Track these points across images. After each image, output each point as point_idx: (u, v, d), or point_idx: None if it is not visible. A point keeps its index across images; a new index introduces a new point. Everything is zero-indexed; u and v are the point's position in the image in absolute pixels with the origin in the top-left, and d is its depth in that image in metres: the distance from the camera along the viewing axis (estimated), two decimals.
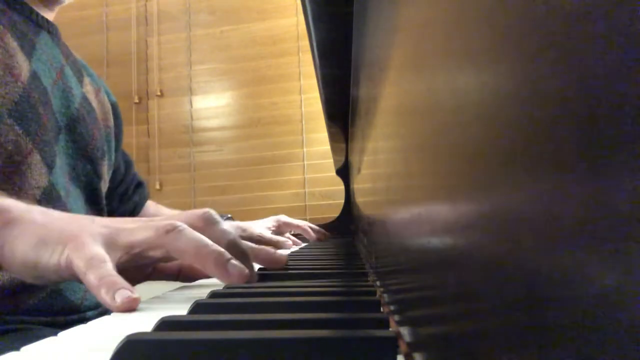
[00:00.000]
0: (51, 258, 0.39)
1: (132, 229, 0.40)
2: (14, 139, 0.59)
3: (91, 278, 0.37)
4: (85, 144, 0.73)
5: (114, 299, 0.36)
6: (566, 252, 0.08)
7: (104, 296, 0.36)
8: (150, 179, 2.06)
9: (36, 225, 0.40)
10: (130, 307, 0.36)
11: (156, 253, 0.41)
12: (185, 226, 0.40)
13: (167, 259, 0.43)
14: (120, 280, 0.37)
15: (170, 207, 1.12)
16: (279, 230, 1.11)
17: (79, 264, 0.37)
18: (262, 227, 1.07)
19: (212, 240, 0.41)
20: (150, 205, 1.02)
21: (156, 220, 0.42)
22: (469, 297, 0.13)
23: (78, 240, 0.39)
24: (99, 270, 0.37)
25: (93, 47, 2.11)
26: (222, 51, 2.08)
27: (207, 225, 0.43)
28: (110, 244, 0.40)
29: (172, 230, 0.39)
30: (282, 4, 2.03)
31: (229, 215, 1.06)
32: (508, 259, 0.10)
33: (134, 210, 0.96)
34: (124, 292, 0.36)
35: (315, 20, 0.64)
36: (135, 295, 0.37)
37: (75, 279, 0.39)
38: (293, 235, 1.16)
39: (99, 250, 0.38)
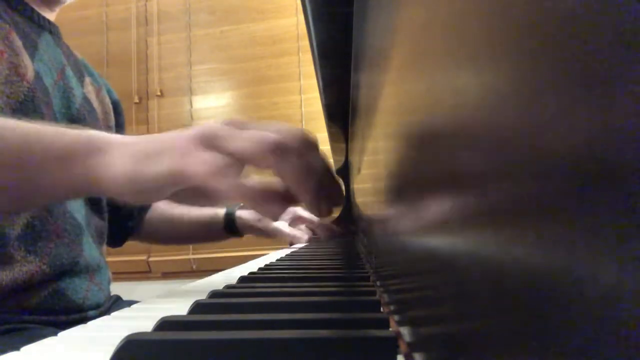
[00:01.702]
0: (158, 168, 0.37)
1: (231, 136, 0.37)
2: None
3: (219, 184, 0.36)
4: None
5: (255, 203, 0.36)
6: (566, 251, 0.08)
7: (246, 200, 0.36)
8: None
9: (130, 145, 0.39)
10: (269, 213, 0.37)
11: (259, 165, 0.38)
12: (287, 145, 0.37)
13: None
14: (250, 187, 0.37)
15: None
16: (293, 223, 1.12)
17: (196, 170, 0.36)
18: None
19: (309, 166, 0.38)
20: (161, 202, 1.00)
21: (258, 130, 0.38)
22: (469, 297, 0.13)
23: (181, 147, 0.37)
24: (225, 176, 0.36)
25: (93, 47, 2.11)
26: (222, 51, 2.08)
27: (306, 149, 0.39)
28: (209, 146, 0.38)
29: (278, 150, 0.36)
30: (282, 4, 2.03)
31: (242, 204, 1.06)
32: (508, 258, 0.10)
33: (141, 208, 0.95)
34: (260, 196, 0.36)
35: (315, 20, 0.64)
36: (270, 198, 0.37)
37: (185, 186, 0.38)
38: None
39: (215, 156, 0.37)
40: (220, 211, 0.97)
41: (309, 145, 0.39)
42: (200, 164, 0.36)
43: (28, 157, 0.39)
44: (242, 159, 0.37)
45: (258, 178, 0.40)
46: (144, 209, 0.94)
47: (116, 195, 0.40)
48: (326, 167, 0.40)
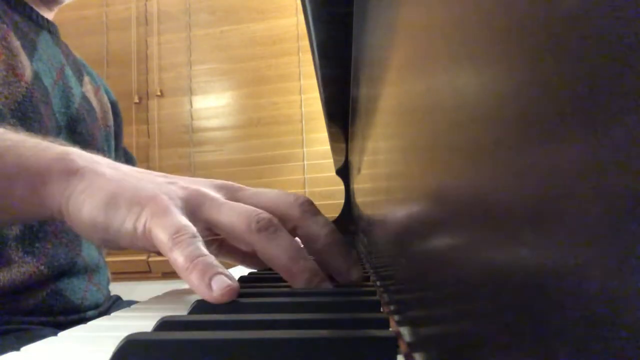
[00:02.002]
0: (125, 222, 0.33)
1: (220, 205, 0.34)
2: None
3: (179, 258, 0.31)
4: (85, 144, 0.73)
5: (210, 286, 0.30)
6: (566, 251, 0.08)
7: (196, 282, 0.31)
8: None
9: (105, 179, 0.34)
10: (230, 297, 0.30)
11: (239, 245, 0.35)
12: (280, 226, 0.34)
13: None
14: (214, 262, 0.32)
15: None
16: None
17: (162, 238, 0.32)
18: None
19: (307, 234, 0.36)
20: None
21: (246, 201, 0.35)
22: (469, 297, 0.13)
23: (157, 204, 0.33)
24: (188, 248, 0.31)
25: (93, 47, 2.11)
26: (222, 51, 2.08)
27: (303, 216, 0.36)
28: (192, 211, 0.34)
29: (265, 229, 0.33)
30: (282, 4, 2.03)
31: None
32: (508, 258, 0.10)
33: None
34: (222, 278, 0.31)
35: (315, 20, 0.64)
36: (235, 283, 0.31)
37: (151, 250, 0.34)
38: None
39: (184, 221, 0.33)
40: None
41: (307, 210, 0.36)
42: (169, 228, 0.32)
43: (8, 167, 0.36)
44: (226, 234, 0.34)
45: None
46: None
47: (77, 230, 0.36)
48: (333, 235, 0.37)
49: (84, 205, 0.34)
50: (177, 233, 0.32)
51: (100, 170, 0.35)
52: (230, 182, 0.39)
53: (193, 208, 0.34)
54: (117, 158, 0.88)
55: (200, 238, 0.32)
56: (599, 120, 0.07)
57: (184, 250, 0.31)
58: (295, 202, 0.37)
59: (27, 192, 0.35)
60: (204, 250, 0.32)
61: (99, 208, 0.34)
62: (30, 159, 0.35)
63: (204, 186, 0.36)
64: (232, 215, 0.34)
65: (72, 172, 0.35)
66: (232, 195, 0.37)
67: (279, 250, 0.34)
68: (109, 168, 0.36)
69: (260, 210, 0.35)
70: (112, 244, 0.35)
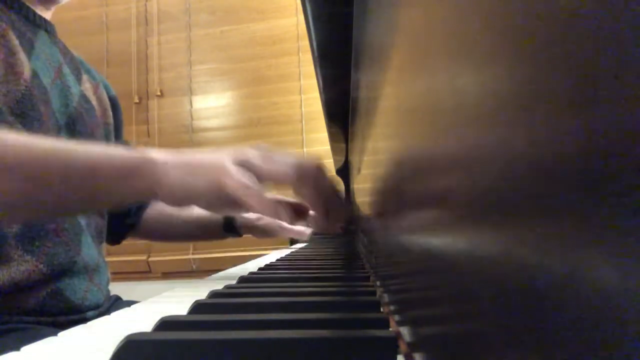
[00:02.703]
0: (206, 182, 0.46)
1: (257, 164, 0.48)
2: None
3: (253, 201, 0.45)
4: (85, 142, 0.73)
5: (279, 217, 0.46)
6: (566, 251, 0.08)
7: (270, 214, 0.46)
8: None
9: (179, 161, 0.48)
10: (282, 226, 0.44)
11: (282, 183, 0.49)
12: (308, 173, 0.48)
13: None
14: (278, 205, 0.46)
15: None
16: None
17: (237, 188, 0.45)
18: None
19: (323, 187, 0.50)
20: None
21: (283, 158, 0.49)
22: (469, 297, 0.13)
23: (225, 169, 0.46)
24: (258, 195, 0.45)
25: (93, 47, 2.11)
26: (222, 51, 2.08)
27: (320, 175, 0.50)
28: (240, 163, 0.47)
29: (299, 173, 0.47)
30: (282, 4, 2.03)
31: None
32: (508, 259, 0.10)
33: (140, 205, 0.93)
34: (283, 212, 0.46)
35: (315, 20, 0.64)
36: (288, 214, 0.47)
37: (225, 199, 0.46)
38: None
39: (248, 179, 0.46)
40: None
41: (322, 171, 0.50)
42: (236, 182, 0.45)
43: (98, 174, 0.47)
44: (270, 178, 0.47)
45: (275, 193, 0.51)
46: (143, 206, 0.94)
47: (168, 202, 0.48)
48: (334, 191, 0.51)
49: (171, 180, 0.47)
50: (246, 186, 0.45)
51: (171, 157, 0.48)
52: (262, 145, 0.53)
53: (244, 164, 0.48)
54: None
55: (260, 187, 0.46)
56: (599, 120, 0.07)
57: (255, 196, 0.45)
58: (312, 162, 0.51)
59: (119, 185, 0.47)
60: (267, 197, 0.46)
61: (186, 178, 0.47)
62: (124, 161, 0.47)
63: (248, 149, 0.50)
64: (274, 164, 0.48)
65: (155, 165, 0.47)
66: (268, 152, 0.50)
67: (311, 192, 0.48)
68: (174, 154, 0.49)
69: (299, 161, 0.49)
70: (192, 202, 0.48)
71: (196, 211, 0.94)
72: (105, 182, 0.47)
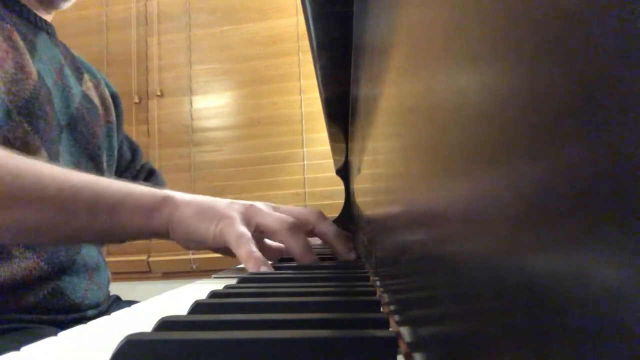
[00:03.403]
0: (208, 229, 0.52)
1: (265, 214, 0.54)
2: (22, 136, 0.60)
3: (242, 252, 0.50)
4: (86, 142, 0.73)
5: (257, 269, 0.49)
6: (566, 251, 0.08)
7: (251, 268, 0.50)
8: None
9: (192, 206, 0.53)
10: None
11: (274, 238, 0.55)
12: (301, 229, 0.54)
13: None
14: (262, 258, 0.50)
15: None
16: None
17: (231, 240, 0.51)
18: None
19: (320, 232, 0.58)
20: None
21: (281, 213, 0.55)
22: (469, 297, 0.13)
23: (228, 217, 0.52)
24: (247, 246, 0.50)
25: (93, 47, 2.11)
26: (222, 51, 2.08)
27: (318, 220, 0.59)
28: (247, 219, 0.53)
29: (291, 229, 0.53)
30: (282, 4, 2.03)
31: None
32: (508, 258, 0.10)
33: None
34: (265, 268, 0.50)
35: (315, 20, 0.64)
36: (270, 269, 0.50)
37: (222, 246, 0.52)
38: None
39: (245, 230, 0.52)
40: None
41: (320, 218, 0.58)
42: (234, 232, 0.51)
43: (122, 210, 0.52)
44: (266, 233, 0.53)
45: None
46: None
47: (178, 241, 0.54)
48: (337, 231, 0.59)
49: (184, 222, 0.53)
50: (241, 237, 0.51)
51: (187, 200, 0.54)
52: (269, 203, 0.60)
53: (248, 217, 0.54)
54: (120, 148, 0.88)
55: (253, 241, 0.51)
56: (598, 121, 0.07)
57: (245, 248, 0.50)
58: (312, 212, 0.59)
59: (139, 220, 0.53)
60: (256, 249, 0.51)
61: (193, 222, 0.52)
62: (145, 200, 0.53)
63: (255, 203, 0.56)
64: (273, 220, 0.53)
65: (173, 206, 0.53)
66: (274, 209, 0.57)
67: (297, 244, 0.53)
68: (189, 198, 0.55)
69: (290, 217, 0.54)
70: (200, 245, 0.54)
71: None
72: (127, 218, 0.52)
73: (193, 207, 0.53)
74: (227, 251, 0.53)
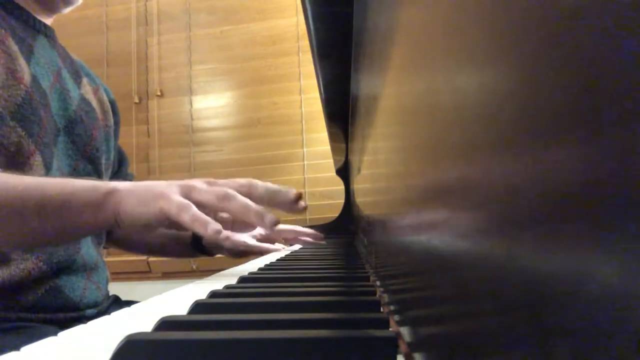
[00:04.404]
0: (150, 209, 0.54)
1: (200, 190, 0.56)
2: (16, 140, 0.60)
3: (185, 217, 0.52)
4: (84, 145, 0.73)
5: (206, 230, 0.51)
6: (566, 252, 0.08)
7: (199, 228, 0.51)
8: (150, 179, 2.06)
9: (131, 191, 0.55)
10: (217, 235, 0.51)
11: (215, 210, 0.57)
12: (235, 194, 0.55)
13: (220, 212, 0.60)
14: (208, 218, 0.52)
15: None
16: (270, 236, 1.06)
17: (171, 209, 0.52)
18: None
19: (253, 194, 0.59)
20: None
21: (214, 185, 0.57)
22: (469, 297, 0.13)
23: (165, 194, 0.54)
24: (189, 211, 0.52)
25: (93, 47, 2.11)
26: (222, 51, 2.08)
27: (250, 189, 0.60)
28: (185, 195, 0.55)
29: (226, 196, 0.55)
30: (282, 4, 2.03)
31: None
32: (508, 259, 0.10)
33: None
34: (213, 225, 0.51)
35: (315, 20, 0.64)
36: (219, 227, 0.52)
37: (166, 221, 0.54)
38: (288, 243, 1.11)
39: (183, 199, 0.54)
40: None
41: (252, 184, 0.60)
42: (172, 204, 0.53)
43: (68, 209, 0.54)
44: (205, 207, 0.54)
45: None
46: None
47: (126, 228, 0.56)
48: (270, 191, 0.61)
49: (128, 210, 0.54)
50: (180, 205, 0.53)
51: (128, 188, 0.56)
52: (210, 179, 0.61)
53: (186, 194, 0.55)
54: (114, 151, 0.88)
55: (193, 206, 0.53)
56: (598, 121, 0.07)
57: (187, 213, 0.52)
58: (246, 180, 0.61)
59: (88, 217, 0.54)
60: (198, 211, 0.53)
61: (135, 206, 0.54)
62: (89, 196, 0.55)
63: (191, 181, 0.58)
64: (209, 194, 0.55)
65: (117, 198, 0.55)
66: (210, 184, 0.58)
67: (237, 206, 0.55)
68: (131, 186, 0.57)
69: (224, 188, 0.56)
70: (147, 226, 0.56)
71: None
72: (76, 217, 0.54)
73: (133, 194, 0.55)
74: (174, 225, 0.55)
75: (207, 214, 0.55)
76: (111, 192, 0.55)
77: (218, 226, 0.52)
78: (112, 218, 0.55)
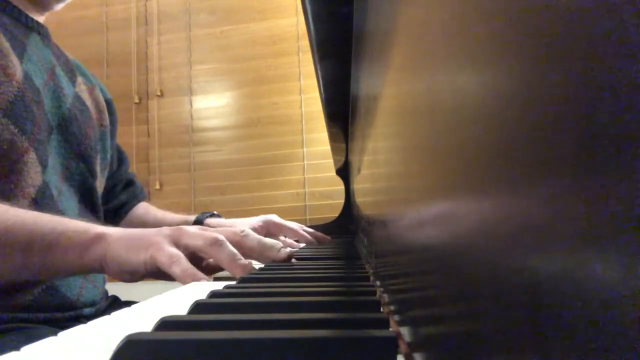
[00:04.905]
0: (139, 258, 0.53)
1: (191, 235, 0.56)
2: (9, 138, 0.60)
3: (176, 270, 0.51)
4: (77, 143, 0.73)
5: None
6: (566, 253, 0.08)
7: (188, 281, 0.51)
8: (150, 179, 2.06)
9: (121, 238, 0.55)
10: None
11: (204, 255, 0.57)
12: (225, 242, 0.56)
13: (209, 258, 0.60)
14: (197, 271, 0.52)
15: (170, 207, 1.11)
16: (269, 231, 1.05)
17: (162, 261, 0.52)
18: (246, 226, 1.02)
19: (245, 245, 0.61)
20: (141, 207, 0.98)
21: (207, 231, 0.58)
22: (469, 297, 0.13)
23: (156, 243, 0.54)
24: (180, 265, 0.52)
25: (93, 47, 2.11)
26: (222, 51, 2.08)
27: (242, 238, 0.62)
28: (175, 242, 0.55)
29: (215, 243, 0.55)
30: (282, 4, 2.03)
31: (215, 212, 1.04)
32: (508, 259, 0.10)
33: (120, 209, 0.94)
34: (202, 277, 0.52)
35: (315, 20, 0.64)
36: (207, 278, 0.52)
37: (156, 271, 0.54)
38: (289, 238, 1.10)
39: (174, 250, 0.53)
40: (190, 219, 0.96)
41: (243, 235, 0.62)
42: (163, 254, 0.52)
43: (56, 250, 0.54)
44: (194, 251, 0.55)
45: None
46: (120, 215, 0.94)
47: (112, 274, 0.56)
48: (262, 245, 0.63)
49: (115, 255, 0.54)
50: (171, 256, 0.52)
51: (118, 235, 0.56)
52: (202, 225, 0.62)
53: (176, 239, 0.55)
54: (111, 156, 0.88)
55: (184, 258, 0.53)
56: (598, 121, 0.07)
57: (178, 266, 0.52)
58: (235, 230, 0.63)
59: (72, 259, 0.55)
60: (190, 265, 0.53)
61: (123, 254, 0.54)
62: (78, 238, 0.55)
63: (183, 227, 0.58)
64: (198, 238, 0.55)
65: (105, 243, 0.55)
66: (203, 229, 0.59)
67: (222, 256, 0.55)
68: (119, 231, 0.57)
69: (214, 234, 0.56)
70: (134, 275, 0.56)
71: (167, 221, 0.94)
72: (60, 257, 0.54)
73: (123, 241, 0.55)
74: (162, 275, 0.55)
75: (197, 257, 0.56)
76: (101, 236, 0.55)
77: (206, 278, 0.52)
78: (98, 263, 0.55)
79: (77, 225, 0.57)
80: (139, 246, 0.54)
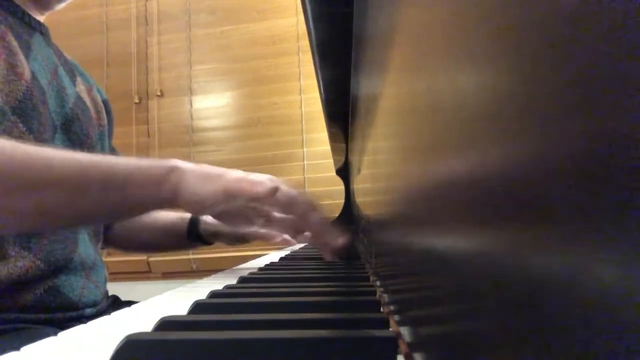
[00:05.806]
0: (212, 187, 0.56)
1: (253, 182, 0.58)
2: (17, 136, 0.60)
3: (247, 187, 0.56)
4: (80, 143, 0.73)
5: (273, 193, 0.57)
6: (565, 252, 0.08)
7: (265, 193, 0.56)
8: None
9: (197, 172, 0.58)
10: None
11: (264, 204, 0.59)
12: (285, 187, 0.58)
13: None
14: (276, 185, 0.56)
15: None
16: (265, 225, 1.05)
17: (233, 186, 0.56)
18: None
19: (309, 218, 0.62)
20: None
21: (264, 179, 0.59)
22: (469, 297, 0.13)
23: (227, 175, 0.58)
24: (250, 182, 0.56)
25: (93, 47, 2.11)
26: (222, 51, 2.08)
27: (308, 206, 0.62)
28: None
29: (276, 191, 0.57)
30: (282, 4, 2.03)
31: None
32: (508, 259, 0.10)
33: None
34: (284, 187, 0.57)
35: (315, 20, 0.64)
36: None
37: (228, 201, 0.57)
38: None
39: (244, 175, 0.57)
40: (186, 215, 0.92)
41: (310, 203, 0.62)
42: (234, 180, 0.56)
43: (132, 184, 0.55)
44: (257, 199, 0.57)
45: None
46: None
47: (187, 208, 0.58)
48: (324, 221, 0.64)
49: (191, 186, 0.56)
50: (244, 179, 0.57)
51: (191, 167, 0.58)
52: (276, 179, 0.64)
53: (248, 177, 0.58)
54: (108, 151, 0.88)
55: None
56: (598, 120, 0.07)
57: (248, 182, 0.56)
58: (305, 196, 0.63)
59: (149, 192, 0.56)
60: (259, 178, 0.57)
61: (196, 184, 0.56)
62: (154, 170, 0.57)
63: (243, 173, 0.60)
64: (260, 187, 0.57)
65: (179, 174, 0.57)
66: (258, 177, 0.60)
67: (285, 200, 0.59)
68: (187, 163, 0.59)
69: (273, 183, 0.59)
70: (208, 207, 0.58)
71: (161, 219, 0.92)
72: (138, 191, 0.55)
73: (198, 173, 0.57)
74: (231, 218, 0.57)
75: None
76: (174, 169, 0.57)
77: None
78: (173, 194, 0.56)
79: (148, 160, 0.59)
80: (215, 179, 0.57)
